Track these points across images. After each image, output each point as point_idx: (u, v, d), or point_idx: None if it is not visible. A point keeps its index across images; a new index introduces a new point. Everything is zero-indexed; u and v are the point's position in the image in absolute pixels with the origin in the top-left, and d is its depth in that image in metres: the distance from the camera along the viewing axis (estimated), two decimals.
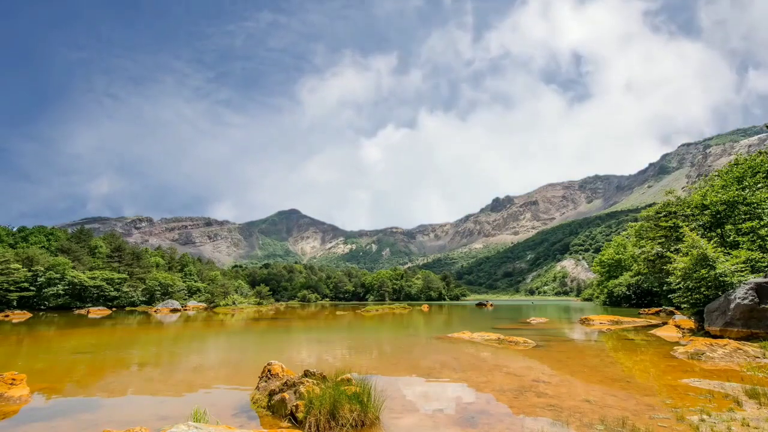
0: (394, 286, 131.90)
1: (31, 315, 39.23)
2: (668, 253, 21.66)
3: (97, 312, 44.00)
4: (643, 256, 27.78)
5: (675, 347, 12.04)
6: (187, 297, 69.11)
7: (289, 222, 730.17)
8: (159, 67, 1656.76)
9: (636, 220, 42.12)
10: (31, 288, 49.37)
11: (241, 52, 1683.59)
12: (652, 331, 17.70)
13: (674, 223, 23.16)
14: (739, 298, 12.58)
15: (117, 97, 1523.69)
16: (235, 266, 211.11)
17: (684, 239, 17.56)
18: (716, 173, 26.13)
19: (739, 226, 19.11)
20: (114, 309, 52.44)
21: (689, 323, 17.25)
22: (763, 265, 15.98)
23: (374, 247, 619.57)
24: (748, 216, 19.31)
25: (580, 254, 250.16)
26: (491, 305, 58.98)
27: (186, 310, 51.92)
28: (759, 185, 20.51)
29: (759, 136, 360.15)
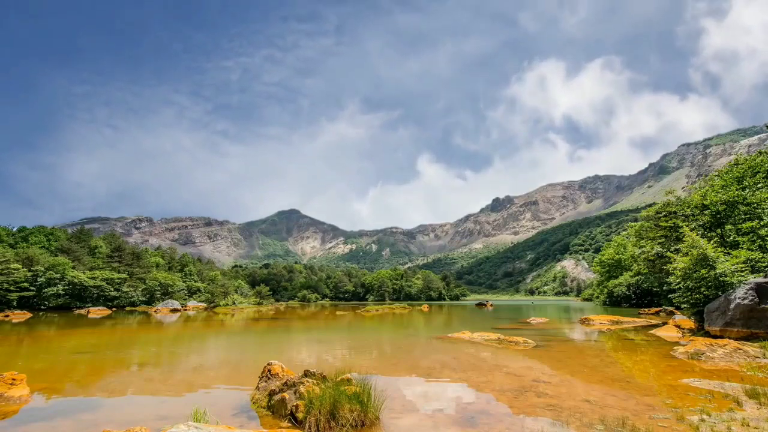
0: (394, 286, 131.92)
1: (31, 315, 39.23)
2: (668, 253, 21.64)
3: (97, 312, 44.00)
4: (643, 256, 27.77)
5: (675, 347, 12.04)
6: (187, 297, 69.09)
7: (289, 222, 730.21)
8: (159, 99, 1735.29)
9: (636, 220, 42.13)
10: (31, 288, 49.37)
11: (237, 85, 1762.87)
12: (652, 331, 17.70)
13: (674, 223, 23.15)
14: (739, 298, 12.58)
15: (118, 128, 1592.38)
16: (235, 266, 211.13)
17: (684, 239, 17.55)
18: (716, 173, 26.11)
19: (739, 226, 19.11)
20: (114, 309, 52.44)
21: (689, 323, 17.26)
22: (763, 265, 15.98)
23: (374, 247, 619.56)
24: (748, 216, 19.31)
25: (580, 254, 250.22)
26: (491, 305, 58.98)
27: (186, 310, 51.92)
28: (759, 185, 20.51)
29: (759, 136, 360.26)
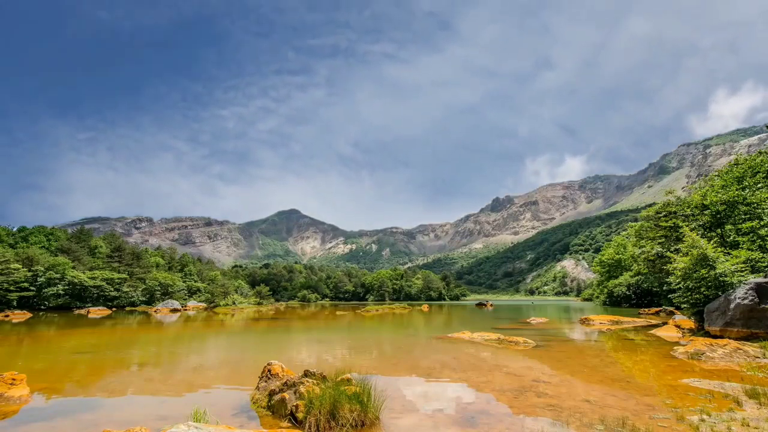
0: (394, 286, 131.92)
1: (31, 315, 39.23)
2: (668, 253, 21.64)
3: (97, 312, 44.00)
4: (643, 256, 27.76)
5: (675, 347, 12.04)
6: (187, 297, 69.10)
7: (289, 222, 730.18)
8: (158, 145, 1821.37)
9: (636, 220, 42.13)
10: (31, 288, 49.37)
11: (232, 132, 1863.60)
12: (652, 331, 17.70)
13: (674, 223, 23.15)
14: (739, 298, 12.58)
15: (119, 170, 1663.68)
16: (235, 266, 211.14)
17: (684, 239, 17.55)
18: (716, 173, 26.11)
19: (739, 226, 19.11)
20: (114, 309, 52.44)
21: (689, 323, 17.26)
22: (763, 265, 15.98)
23: (374, 247, 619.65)
24: (748, 216, 19.31)
25: (580, 254, 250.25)
26: (491, 305, 58.98)
27: (186, 310, 51.92)
28: (759, 185, 20.50)
29: (759, 136, 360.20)
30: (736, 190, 20.46)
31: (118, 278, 58.73)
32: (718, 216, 20.90)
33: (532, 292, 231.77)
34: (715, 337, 12.98)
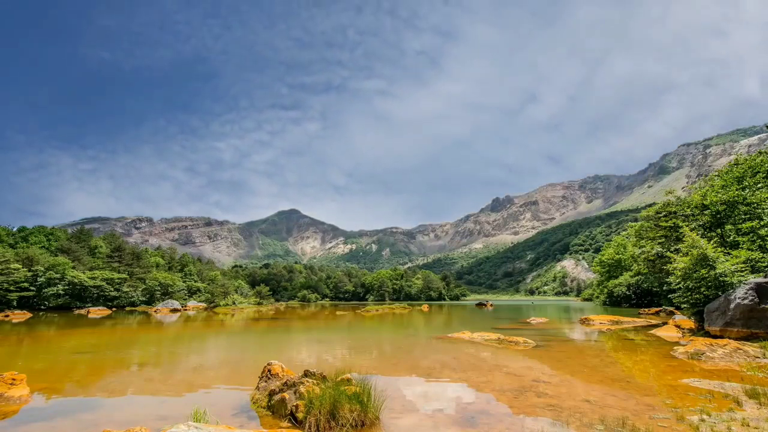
0: (394, 286, 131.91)
1: (31, 315, 39.23)
2: (668, 253, 21.64)
3: (97, 312, 44.00)
4: (643, 256, 27.76)
5: (675, 347, 12.04)
6: (187, 297, 69.10)
7: (289, 222, 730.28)
8: (158, 175, 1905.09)
9: (636, 220, 42.14)
10: (31, 288, 49.37)
11: (229, 163, 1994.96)
12: (652, 331, 17.70)
13: (674, 223, 23.14)
14: (739, 298, 12.58)
15: (121, 199, 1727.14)
16: (235, 266, 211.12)
17: (684, 239, 17.55)
18: (716, 173, 26.11)
19: (739, 226, 19.11)
20: (114, 309, 52.44)
21: (689, 323, 17.25)
22: (763, 265, 15.97)
23: (374, 247, 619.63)
24: (748, 216, 19.31)
25: (580, 254, 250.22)
26: (491, 305, 58.98)
27: (186, 310, 51.92)
28: (759, 185, 20.50)
29: (759, 136, 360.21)
30: (736, 190, 20.46)
31: (118, 278, 58.73)
32: (718, 216, 20.90)
33: (532, 292, 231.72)
34: (715, 337, 12.98)
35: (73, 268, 56.04)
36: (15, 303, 46.77)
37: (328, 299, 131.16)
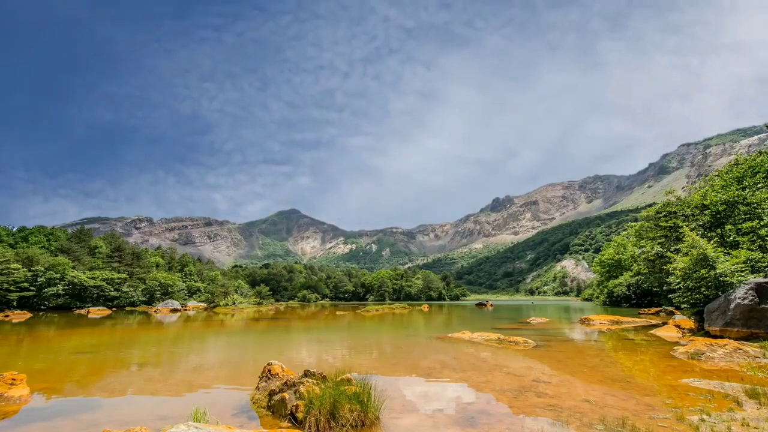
0: (394, 286, 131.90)
1: (31, 315, 39.23)
2: (668, 253, 21.65)
3: (97, 312, 44.01)
4: (643, 256, 27.76)
5: (675, 347, 12.04)
6: (187, 297, 69.12)
7: (289, 222, 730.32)
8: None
9: (636, 220, 42.15)
10: (31, 288, 49.37)
11: (224, 212, 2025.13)
12: (652, 331, 17.70)
13: (674, 223, 23.15)
14: (739, 298, 12.58)
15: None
16: (235, 266, 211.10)
17: (684, 239, 17.55)
18: (716, 173, 26.12)
19: (739, 226, 19.11)
20: (114, 309, 52.44)
21: (689, 323, 17.25)
22: (763, 265, 15.97)
23: (374, 247, 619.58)
24: (748, 216, 19.31)
25: (580, 254, 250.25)
26: (491, 305, 58.98)
27: (186, 310, 51.92)
28: (759, 185, 20.51)
29: (759, 136, 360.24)
30: (736, 190, 20.46)
31: (118, 278, 58.73)
32: (718, 216, 20.91)
33: (532, 292, 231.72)
34: (715, 337, 12.98)
35: (73, 268, 56.05)
36: (15, 303, 46.78)
37: (328, 299, 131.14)
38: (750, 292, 12.37)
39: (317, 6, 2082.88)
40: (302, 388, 5.81)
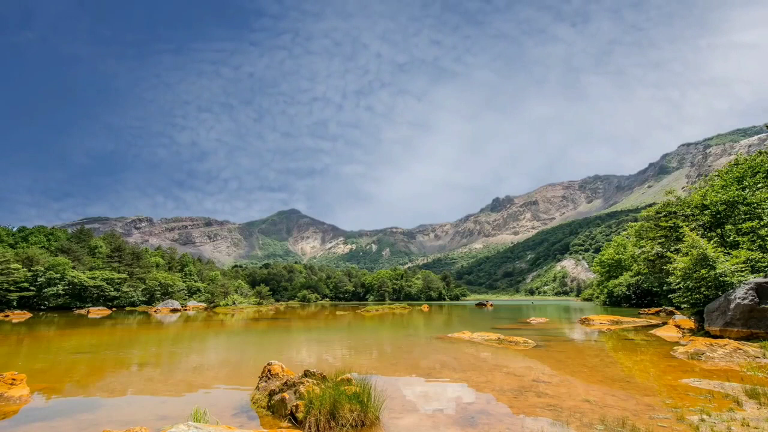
0: (394, 286, 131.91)
1: (31, 315, 39.23)
2: (668, 253, 21.65)
3: (97, 312, 44.00)
4: (643, 256, 27.76)
5: (675, 347, 12.04)
6: (187, 297, 69.10)
7: (289, 222, 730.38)
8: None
9: (636, 220, 42.11)
10: (31, 288, 49.38)
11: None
12: (652, 331, 17.70)
13: (674, 223, 23.16)
14: (739, 298, 12.58)
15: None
16: (235, 266, 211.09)
17: (684, 239, 17.55)
18: (716, 173, 26.11)
19: (739, 226, 19.11)
20: (114, 309, 52.44)
21: (689, 323, 17.25)
22: (763, 265, 15.98)
23: (374, 247, 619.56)
24: (748, 216, 19.31)
25: (580, 254, 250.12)
26: (491, 305, 58.98)
27: (186, 310, 51.92)
28: (759, 185, 20.51)
29: (759, 136, 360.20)
30: (736, 190, 20.47)
31: (118, 278, 58.74)
32: (718, 216, 20.91)
33: (532, 292, 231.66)
34: (715, 337, 12.98)
35: (73, 268, 56.05)
36: (15, 303, 46.79)
37: (328, 299, 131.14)
38: (750, 292, 12.37)
39: (311, 43, 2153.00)
40: (302, 388, 5.81)
